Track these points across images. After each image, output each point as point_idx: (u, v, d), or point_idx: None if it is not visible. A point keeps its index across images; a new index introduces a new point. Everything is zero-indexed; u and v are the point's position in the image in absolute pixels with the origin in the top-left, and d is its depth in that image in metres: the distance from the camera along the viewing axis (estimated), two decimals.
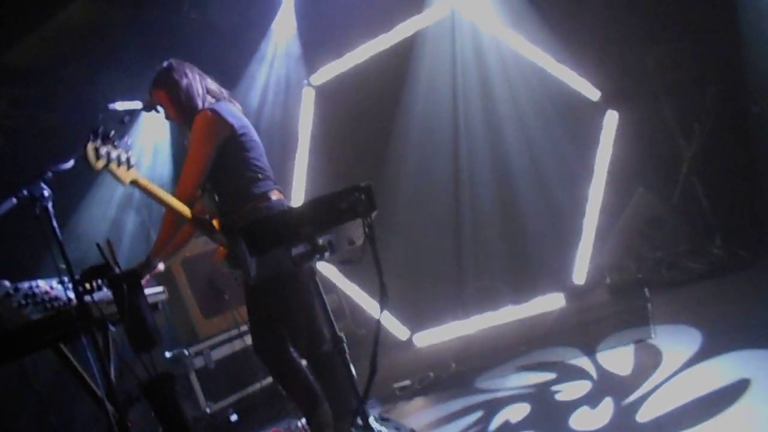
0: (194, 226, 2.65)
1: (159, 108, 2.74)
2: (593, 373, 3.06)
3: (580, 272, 4.51)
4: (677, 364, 2.75)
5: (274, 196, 2.67)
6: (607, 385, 2.87)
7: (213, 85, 2.81)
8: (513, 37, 4.72)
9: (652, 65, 4.36)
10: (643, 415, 2.46)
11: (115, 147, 2.31)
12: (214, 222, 2.63)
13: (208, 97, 2.75)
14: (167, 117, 2.77)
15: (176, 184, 2.60)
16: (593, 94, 4.61)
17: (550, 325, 4.09)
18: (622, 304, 3.84)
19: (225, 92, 2.85)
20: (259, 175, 2.65)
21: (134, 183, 2.42)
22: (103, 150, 2.25)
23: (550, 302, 4.42)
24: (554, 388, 3.04)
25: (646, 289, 3.83)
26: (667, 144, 4.41)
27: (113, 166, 2.30)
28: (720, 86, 4.18)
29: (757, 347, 2.64)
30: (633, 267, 4.18)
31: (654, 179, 4.46)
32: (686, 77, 4.29)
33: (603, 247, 4.46)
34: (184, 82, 2.71)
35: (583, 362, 3.22)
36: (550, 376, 3.19)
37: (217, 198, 2.67)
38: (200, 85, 2.76)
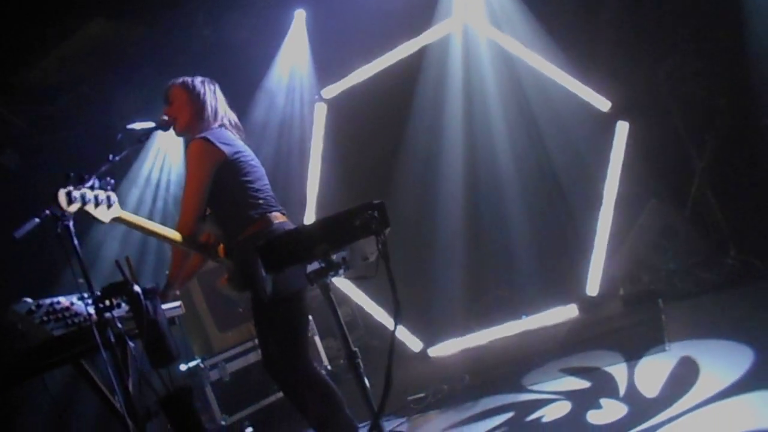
0: (197, 251, 2.72)
1: (171, 126, 2.81)
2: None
3: (593, 283, 4.51)
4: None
5: (276, 219, 2.69)
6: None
7: (230, 119, 2.86)
8: (522, 50, 4.75)
9: (663, 77, 4.37)
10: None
11: (91, 188, 2.35)
12: (219, 248, 2.69)
13: (215, 123, 2.78)
14: (175, 127, 2.82)
15: (179, 215, 2.67)
16: (604, 104, 4.63)
17: (564, 336, 4.09)
18: (636, 316, 3.84)
19: (235, 126, 2.88)
20: (258, 200, 2.68)
21: (117, 220, 2.46)
22: (76, 193, 2.29)
23: (564, 313, 4.42)
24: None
25: (659, 301, 3.82)
26: (679, 155, 4.41)
27: (89, 207, 2.34)
28: (730, 98, 4.18)
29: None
30: (646, 278, 4.17)
31: (666, 190, 4.46)
32: (697, 89, 4.29)
33: (616, 258, 4.45)
34: (210, 101, 2.79)
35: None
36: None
37: (218, 223, 2.72)
38: (220, 113, 2.81)
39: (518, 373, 3.60)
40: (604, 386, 3.04)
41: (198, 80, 2.84)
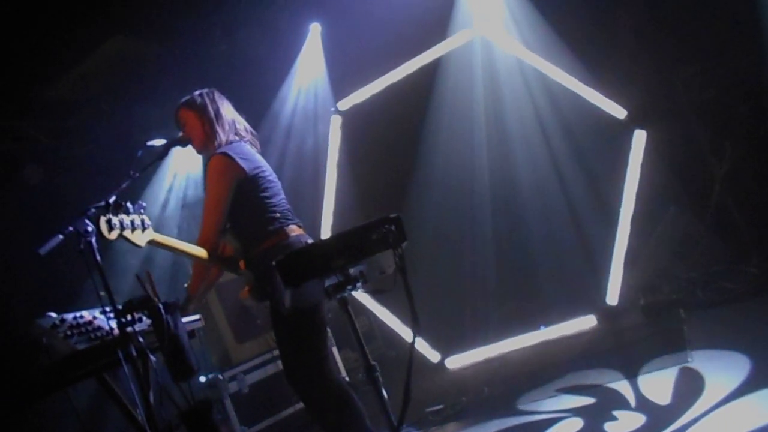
0: (218, 265, 2.76)
1: (190, 142, 2.85)
2: (628, 398, 3.04)
3: (612, 293, 4.46)
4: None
5: (293, 232, 2.72)
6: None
7: (241, 124, 2.90)
8: (538, 60, 4.74)
9: (681, 84, 4.34)
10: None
11: (127, 213, 2.38)
12: (240, 262, 2.72)
13: (231, 135, 2.82)
14: (194, 146, 2.85)
15: (199, 230, 2.70)
16: (621, 113, 4.59)
17: (584, 347, 4.05)
18: (657, 326, 3.79)
19: (250, 132, 2.92)
20: (275, 214, 2.71)
21: (151, 243, 2.49)
22: (115, 220, 2.32)
23: (583, 324, 4.37)
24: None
25: (681, 311, 3.77)
26: (698, 162, 4.37)
27: (127, 233, 2.37)
28: (751, 105, 4.13)
29: None
30: (667, 288, 4.12)
31: (685, 198, 4.41)
32: (715, 96, 4.25)
33: (635, 267, 4.40)
34: (215, 110, 2.82)
35: (621, 386, 3.18)
36: (588, 400, 3.16)
37: (237, 237, 2.75)
38: (229, 119, 2.85)
39: (532, 387, 3.57)
40: (612, 399, 3.02)
41: (197, 94, 2.87)
